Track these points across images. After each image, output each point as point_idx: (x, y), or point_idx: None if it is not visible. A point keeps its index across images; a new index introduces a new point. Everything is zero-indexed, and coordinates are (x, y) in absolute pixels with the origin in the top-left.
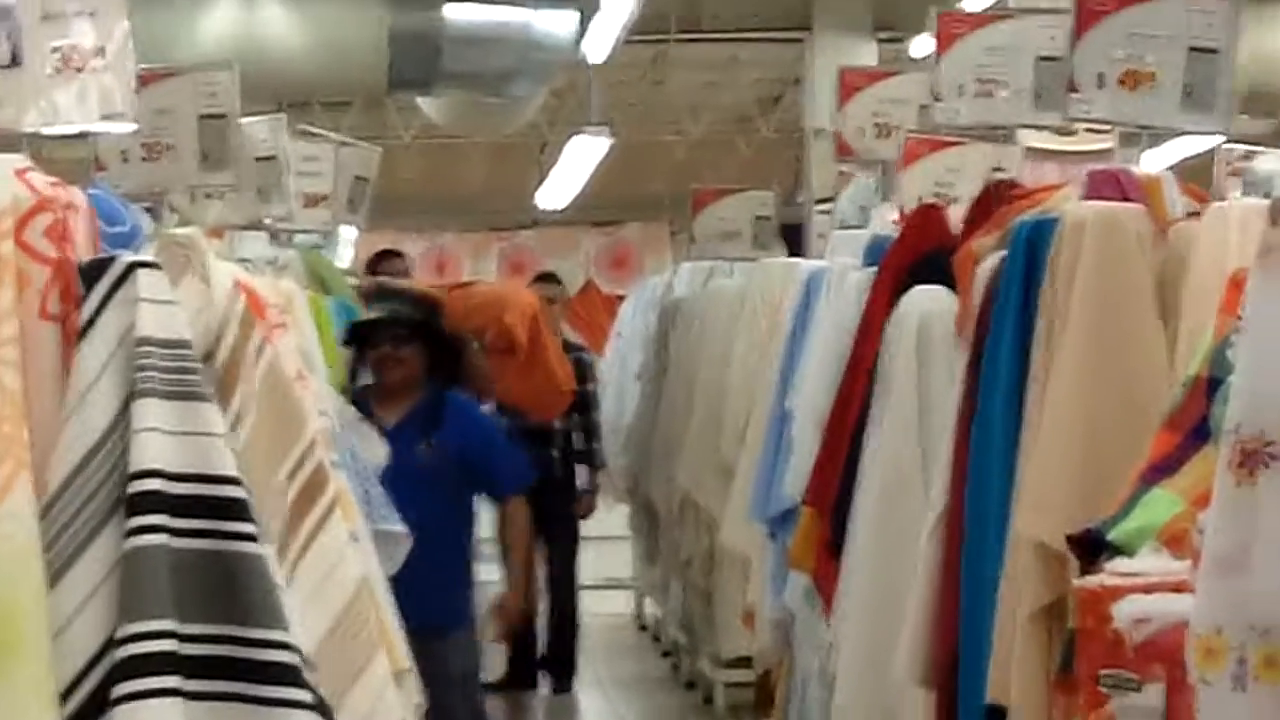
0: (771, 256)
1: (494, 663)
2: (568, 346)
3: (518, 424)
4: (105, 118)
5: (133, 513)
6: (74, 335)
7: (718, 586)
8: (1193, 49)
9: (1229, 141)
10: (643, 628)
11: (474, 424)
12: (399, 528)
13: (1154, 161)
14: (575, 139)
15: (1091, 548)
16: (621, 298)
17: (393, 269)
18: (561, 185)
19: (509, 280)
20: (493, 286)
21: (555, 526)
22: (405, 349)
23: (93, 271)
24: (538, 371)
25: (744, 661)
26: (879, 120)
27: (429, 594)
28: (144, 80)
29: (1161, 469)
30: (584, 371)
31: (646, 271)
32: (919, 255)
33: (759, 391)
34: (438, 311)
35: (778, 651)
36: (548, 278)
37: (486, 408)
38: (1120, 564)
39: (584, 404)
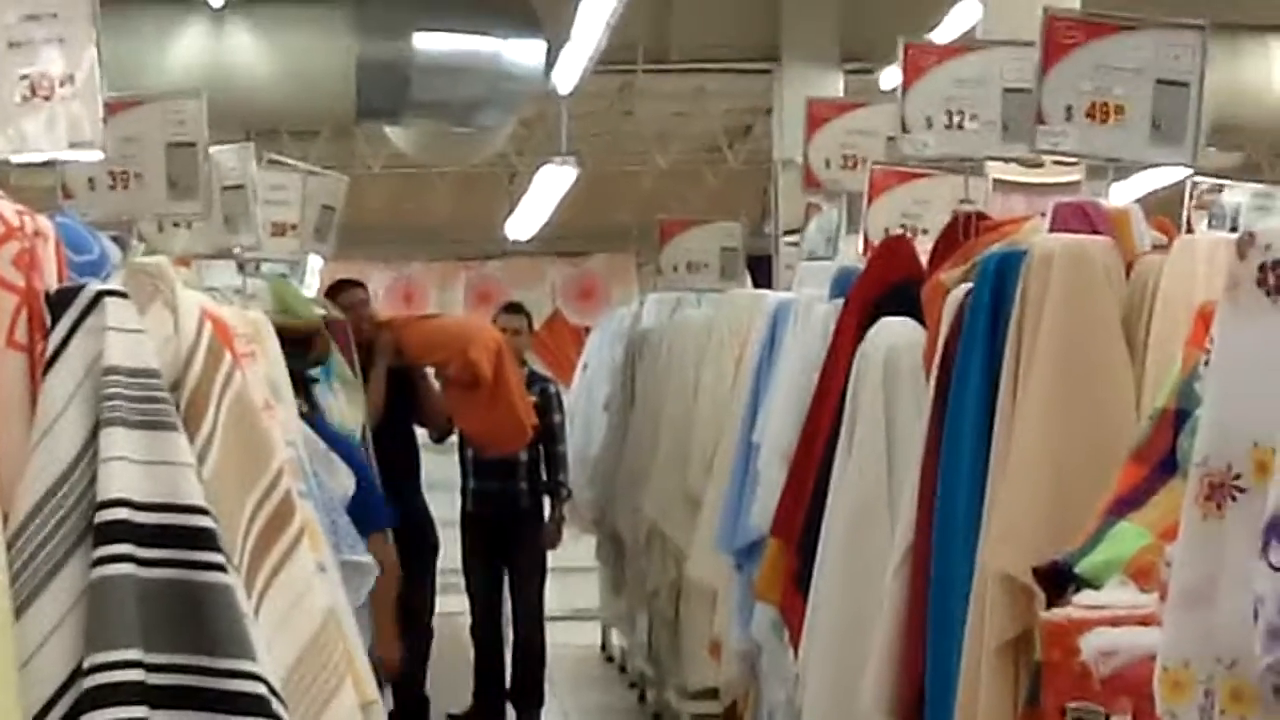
0: (739, 288)
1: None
2: (533, 378)
3: (482, 457)
4: (73, 145)
5: (100, 542)
6: (41, 364)
7: (684, 618)
8: (1160, 81)
9: (1197, 174)
10: (609, 659)
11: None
12: (365, 558)
13: (1122, 194)
14: (544, 169)
15: (1058, 580)
16: (588, 329)
17: (352, 299)
18: (529, 215)
19: (472, 313)
20: (456, 319)
21: (522, 558)
22: None
23: (60, 300)
24: (500, 406)
25: (710, 693)
26: (846, 151)
27: None
28: (112, 108)
29: (1129, 501)
30: (549, 403)
31: (613, 302)
32: (886, 287)
33: (726, 422)
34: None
35: (744, 683)
36: (514, 308)
37: (449, 438)
38: (1087, 597)
39: (550, 435)
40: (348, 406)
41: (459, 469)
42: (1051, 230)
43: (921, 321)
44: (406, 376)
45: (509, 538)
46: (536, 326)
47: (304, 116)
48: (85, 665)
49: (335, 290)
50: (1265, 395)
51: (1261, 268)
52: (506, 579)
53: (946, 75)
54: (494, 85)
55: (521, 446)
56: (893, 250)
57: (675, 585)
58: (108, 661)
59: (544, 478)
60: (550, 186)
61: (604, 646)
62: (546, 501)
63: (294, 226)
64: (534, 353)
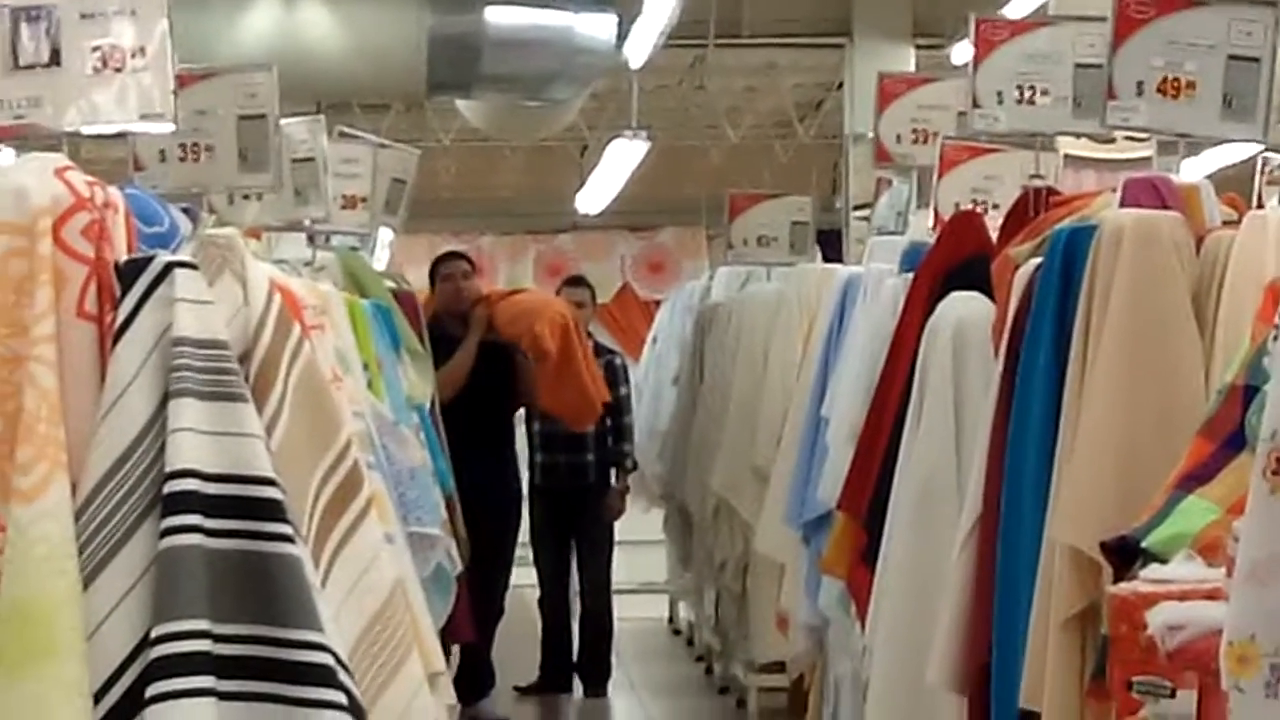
0: (808, 262)
1: None
2: (599, 350)
3: (554, 429)
4: (144, 117)
5: (168, 513)
6: (111, 335)
7: (752, 591)
8: (1232, 57)
9: (1268, 150)
10: (676, 632)
11: None
12: (433, 530)
13: (1192, 170)
14: (614, 143)
15: (1126, 554)
16: (658, 302)
17: (451, 269)
18: (599, 189)
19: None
20: (531, 295)
21: (589, 531)
22: None
23: (130, 271)
24: (569, 382)
25: (777, 666)
26: (917, 126)
27: None
28: (183, 81)
29: (1196, 477)
30: (616, 375)
31: (683, 276)
32: (956, 261)
33: (794, 396)
34: None
35: (811, 656)
36: (576, 281)
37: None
38: (1154, 571)
39: (616, 408)
40: (417, 379)
41: (526, 442)
42: (1122, 205)
43: (991, 296)
44: (503, 351)
45: (576, 511)
46: (607, 300)
47: (375, 90)
48: (153, 635)
49: (439, 261)
50: None
51: None
52: (574, 553)
53: (1018, 50)
54: (565, 59)
55: (592, 423)
56: (963, 225)
57: (743, 559)
58: (175, 631)
59: (610, 450)
60: (621, 160)
61: (671, 619)
62: (613, 474)
63: (364, 199)
64: (602, 325)
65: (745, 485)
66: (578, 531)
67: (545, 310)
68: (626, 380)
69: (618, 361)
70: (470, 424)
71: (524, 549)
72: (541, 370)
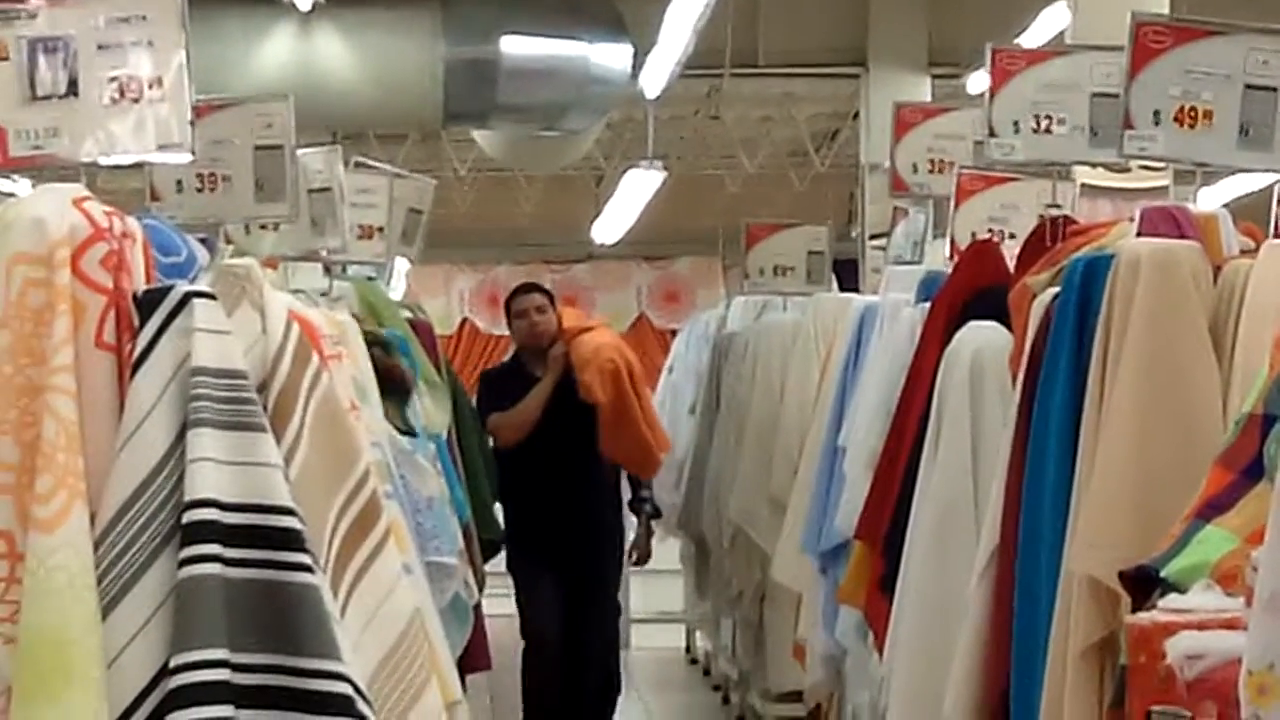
0: (824, 291)
1: None
2: None
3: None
4: (162, 148)
5: (187, 542)
6: (129, 365)
7: (768, 620)
8: (1249, 87)
9: None
10: (693, 661)
11: None
12: (450, 559)
13: (1209, 199)
14: (630, 172)
15: (1144, 584)
16: (674, 332)
17: (528, 305)
18: (615, 219)
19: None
20: (593, 336)
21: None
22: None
23: (149, 301)
24: (625, 430)
25: (794, 696)
26: (933, 156)
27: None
28: (200, 111)
29: (1215, 506)
30: None
31: (699, 306)
32: (973, 291)
33: (811, 426)
34: None
35: (828, 686)
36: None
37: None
38: (1173, 600)
39: None
40: (434, 409)
41: None
42: (1139, 234)
43: (1008, 326)
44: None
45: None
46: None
47: (391, 120)
48: (171, 664)
49: (513, 295)
50: None
51: None
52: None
53: (1034, 80)
54: (581, 89)
55: (654, 472)
56: (980, 255)
57: (759, 588)
58: (194, 661)
59: (624, 495)
60: (637, 190)
61: (688, 649)
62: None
63: (380, 229)
64: None
65: (762, 514)
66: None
67: (594, 358)
68: None
69: None
70: (558, 464)
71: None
72: (599, 420)
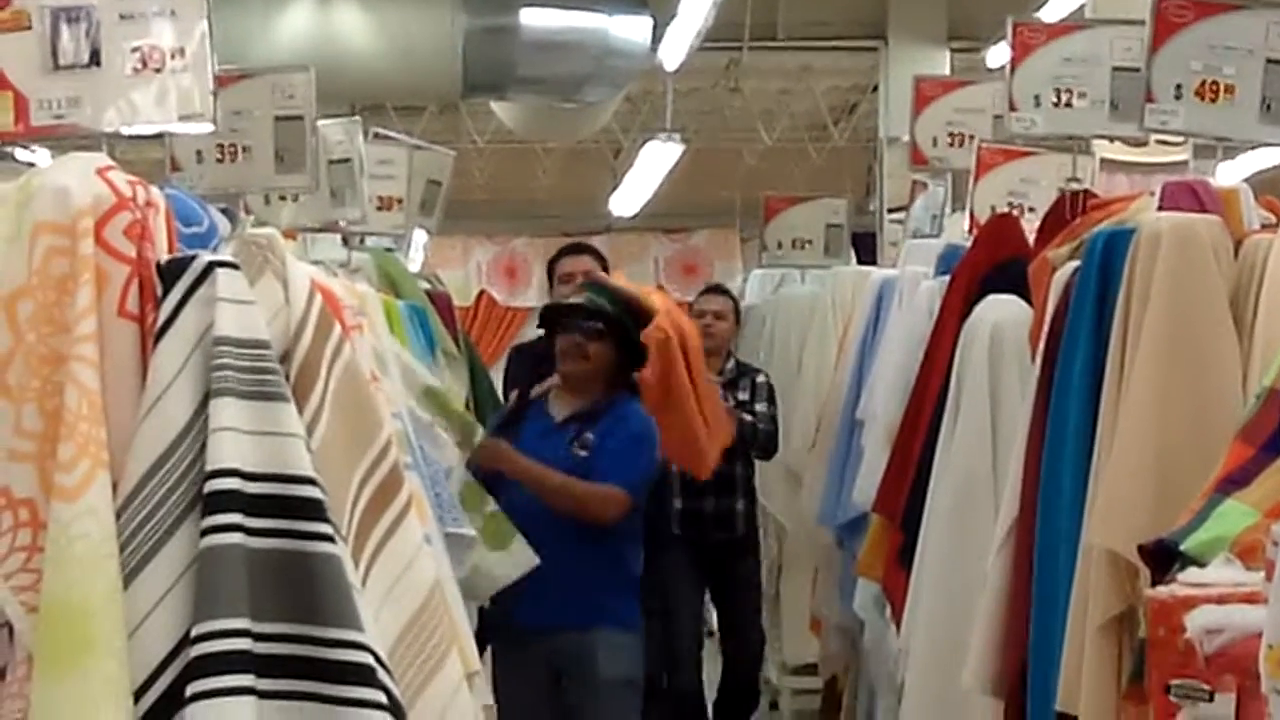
0: (843, 264)
1: None
2: (742, 369)
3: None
4: (183, 118)
5: (209, 511)
6: (152, 334)
7: (785, 593)
8: (1271, 61)
9: None
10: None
11: (620, 422)
12: (468, 531)
13: (1229, 173)
14: (649, 145)
15: (1163, 558)
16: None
17: (575, 268)
18: (633, 191)
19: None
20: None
21: (735, 594)
22: (593, 344)
23: (172, 270)
24: (674, 419)
25: (810, 668)
26: (953, 129)
27: (571, 591)
28: (220, 82)
29: (1235, 480)
30: (758, 395)
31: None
32: (992, 264)
33: (829, 398)
34: (640, 317)
35: (844, 658)
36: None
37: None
38: (1192, 574)
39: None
40: (452, 381)
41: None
42: (1160, 209)
43: (1027, 299)
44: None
45: (720, 568)
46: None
47: (410, 91)
48: (193, 634)
49: (558, 256)
50: None
51: None
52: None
53: (1055, 53)
54: (600, 61)
55: (706, 472)
56: (999, 228)
57: (776, 561)
58: (215, 630)
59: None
60: (655, 163)
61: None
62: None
63: (399, 201)
64: None
65: (779, 487)
66: (720, 593)
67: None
68: (773, 399)
69: (760, 379)
70: None
71: None
72: (647, 404)
